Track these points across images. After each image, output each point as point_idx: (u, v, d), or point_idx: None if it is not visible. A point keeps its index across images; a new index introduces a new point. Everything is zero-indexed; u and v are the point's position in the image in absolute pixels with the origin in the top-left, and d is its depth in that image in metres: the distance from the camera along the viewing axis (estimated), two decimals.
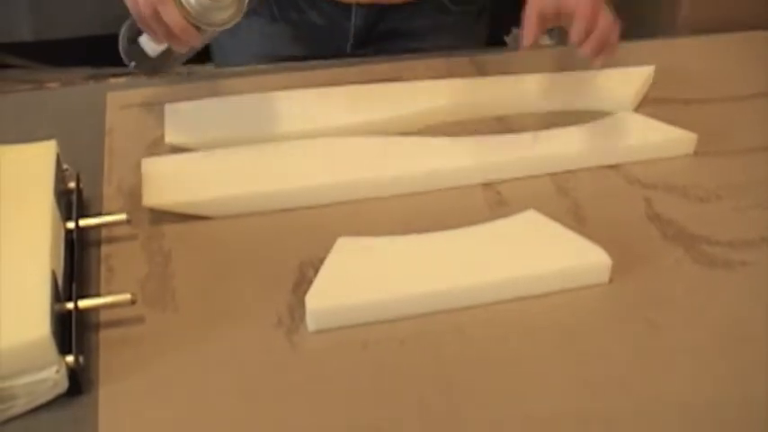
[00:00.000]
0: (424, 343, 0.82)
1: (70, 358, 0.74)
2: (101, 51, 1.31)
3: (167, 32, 0.91)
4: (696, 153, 1.05)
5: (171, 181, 0.95)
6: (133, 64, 1.02)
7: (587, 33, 0.97)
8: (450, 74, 1.15)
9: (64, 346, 0.75)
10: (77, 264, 0.86)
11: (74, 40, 2.06)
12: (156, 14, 0.89)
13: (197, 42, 0.93)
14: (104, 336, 0.82)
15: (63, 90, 1.32)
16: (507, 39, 2.15)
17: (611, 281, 0.88)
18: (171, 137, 1.02)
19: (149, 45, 1.00)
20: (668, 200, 0.99)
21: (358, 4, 1.22)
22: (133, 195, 0.96)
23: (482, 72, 1.17)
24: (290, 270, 0.89)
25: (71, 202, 0.91)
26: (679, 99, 1.15)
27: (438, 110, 1.08)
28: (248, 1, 0.90)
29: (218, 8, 0.89)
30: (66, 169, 0.93)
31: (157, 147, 1.03)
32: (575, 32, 0.97)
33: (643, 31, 1.46)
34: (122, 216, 0.90)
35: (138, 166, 0.98)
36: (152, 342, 0.81)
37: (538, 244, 0.89)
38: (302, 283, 0.87)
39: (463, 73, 1.16)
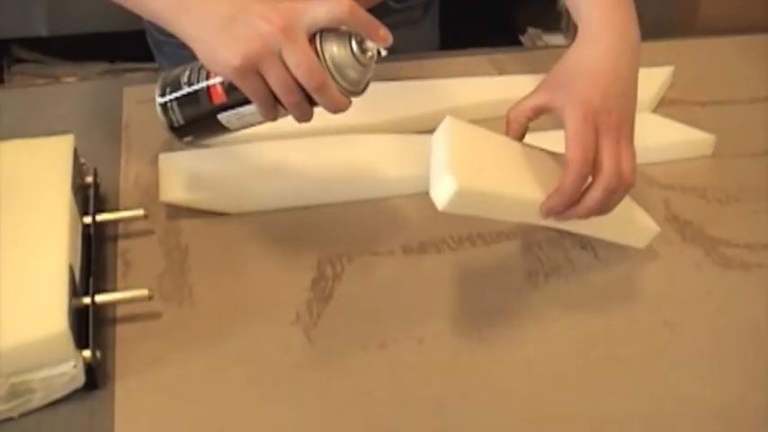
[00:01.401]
0: (442, 343, 0.82)
1: (87, 353, 0.74)
2: (116, 46, 1.31)
3: (307, 113, 0.81)
4: (714, 155, 1.05)
5: (188, 177, 0.95)
6: (190, 138, 0.91)
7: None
8: (468, 72, 1.14)
9: (81, 341, 0.75)
10: (94, 259, 0.86)
11: (89, 36, 2.06)
12: (300, 104, 0.79)
13: (348, 107, 0.81)
14: (121, 331, 0.82)
15: (79, 85, 1.32)
16: (523, 38, 2.15)
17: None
18: None
19: (244, 120, 0.85)
20: (687, 201, 0.98)
21: None
22: (150, 191, 0.96)
23: (502, 72, 1.17)
24: (308, 267, 0.88)
25: (88, 196, 0.91)
26: (696, 101, 1.14)
27: (458, 109, 1.08)
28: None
29: (367, 69, 0.79)
30: (84, 164, 0.93)
31: (174, 142, 1.02)
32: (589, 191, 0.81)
33: (659, 31, 1.46)
34: (140, 211, 0.90)
35: (155, 161, 0.98)
36: (168, 337, 0.81)
37: None
38: (320, 279, 0.87)
39: (483, 72, 1.16)
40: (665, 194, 0.99)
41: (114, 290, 0.85)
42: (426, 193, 0.97)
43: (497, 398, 0.78)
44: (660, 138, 1.04)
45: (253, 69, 0.76)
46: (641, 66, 1.13)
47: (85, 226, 0.87)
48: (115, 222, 0.91)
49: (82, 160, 0.92)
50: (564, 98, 0.82)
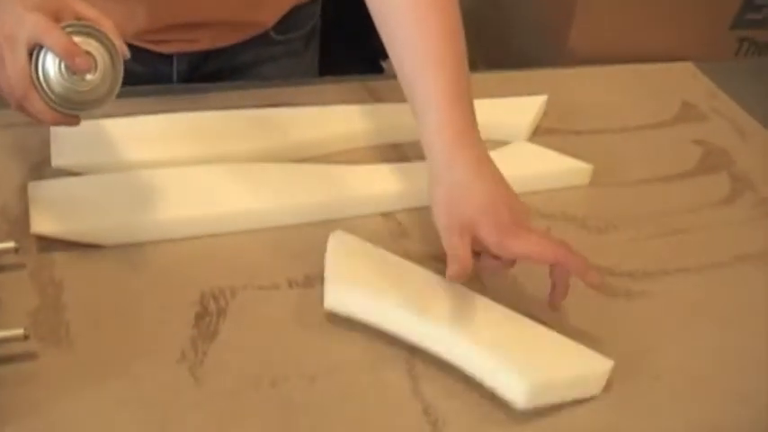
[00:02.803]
0: (335, 381, 0.80)
1: None
2: None
3: (40, 121, 0.84)
4: (591, 183, 1.06)
5: (60, 207, 0.90)
6: None
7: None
8: (344, 100, 1.13)
9: None
10: None
11: None
12: (23, 108, 0.82)
13: (76, 123, 0.85)
14: None
15: None
16: (384, 64, 2.14)
17: None
18: (58, 160, 0.96)
19: None
20: (568, 230, 0.99)
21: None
22: (18, 221, 0.91)
23: (376, 98, 1.16)
24: (190, 302, 0.85)
25: None
26: (570, 130, 1.16)
27: (336, 136, 1.06)
28: (121, 77, 0.83)
29: (85, 90, 0.81)
30: None
31: (42, 169, 0.97)
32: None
33: (528, 61, 1.48)
34: (10, 244, 0.85)
35: (23, 189, 0.93)
36: (47, 380, 0.77)
37: None
38: (204, 315, 0.84)
39: (357, 99, 1.14)
40: (547, 223, 1.00)
41: None
42: (308, 225, 0.95)
43: None
44: (539, 167, 1.05)
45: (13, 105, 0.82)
46: (515, 95, 1.15)
47: None
48: None
49: None
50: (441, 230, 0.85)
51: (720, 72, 1.32)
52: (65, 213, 0.90)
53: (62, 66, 0.79)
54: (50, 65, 0.80)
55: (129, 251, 0.90)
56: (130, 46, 0.84)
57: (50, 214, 0.89)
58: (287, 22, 1.23)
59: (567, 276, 0.84)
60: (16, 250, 0.85)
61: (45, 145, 0.98)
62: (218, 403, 0.76)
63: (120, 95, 1.06)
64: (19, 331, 0.76)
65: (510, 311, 0.84)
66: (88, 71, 0.80)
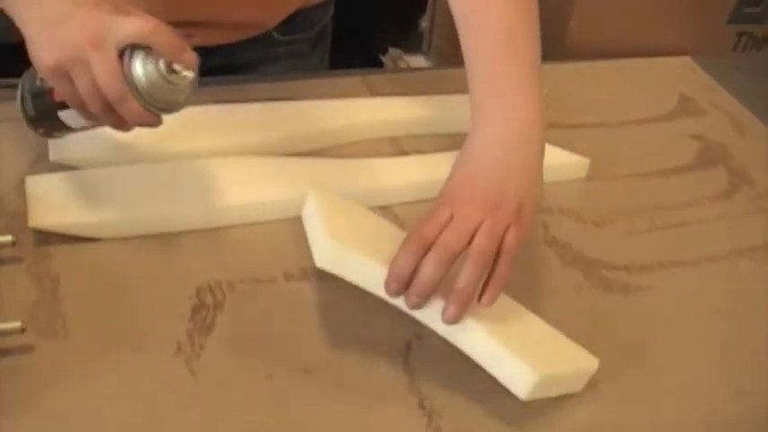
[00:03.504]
0: (329, 373, 0.80)
1: None
2: None
3: (120, 122, 0.82)
4: (588, 177, 1.07)
5: (57, 201, 0.90)
6: (41, 131, 0.90)
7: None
8: (342, 94, 1.13)
9: None
10: None
11: None
12: (108, 109, 0.79)
13: (160, 123, 0.83)
14: None
15: None
16: (384, 58, 2.15)
17: None
18: (55, 154, 0.97)
19: (78, 121, 0.85)
20: (564, 224, 0.99)
21: None
22: (16, 215, 0.91)
23: (374, 92, 1.16)
24: (186, 295, 0.85)
25: None
26: (568, 123, 1.16)
27: (334, 130, 1.07)
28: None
29: (176, 90, 0.80)
30: None
31: (40, 164, 0.97)
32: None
33: None
34: (8, 238, 0.85)
35: (20, 184, 0.93)
36: (44, 373, 0.77)
37: None
38: (200, 308, 0.84)
39: (356, 93, 1.14)
40: (543, 217, 1.00)
41: None
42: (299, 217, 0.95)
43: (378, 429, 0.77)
44: None
45: (64, 73, 0.78)
46: None
47: None
48: None
49: None
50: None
51: (718, 66, 1.33)
52: (62, 207, 0.90)
53: (161, 65, 0.78)
54: (143, 64, 0.78)
55: (126, 245, 0.90)
56: None
57: (47, 208, 0.89)
58: (292, 23, 1.22)
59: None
60: (13, 243, 0.85)
61: (42, 139, 0.98)
62: (213, 396, 0.77)
63: None
64: (16, 324, 0.77)
65: (508, 300, 0.84)
66: (195, 67, 0.80)
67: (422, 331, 0.82)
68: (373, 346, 0.83)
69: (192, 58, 0.79)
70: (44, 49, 0.78)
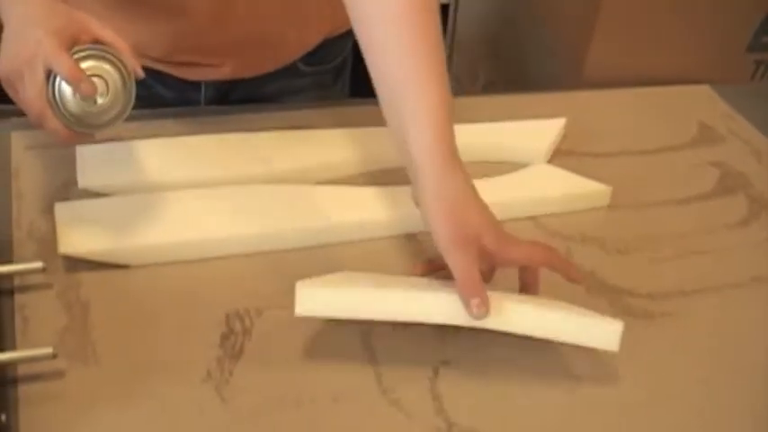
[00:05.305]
0: (358, 400, 0.81)
1: None
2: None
3: (55, 139, 0.88)
4: (610, 206, 1.07)
5: (87, 227, 0.91)
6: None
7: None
8: (362, 122, 1.13)
9: None
10: None
11: None
12: (41, 125, 0.86)
13: (91, 139, 0.90)
14: (24, 391, 0.78)
15: None
16: None
17: None
18: (84, 181, 0.98)
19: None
20: (587, 252, 1.00)
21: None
22: (45, 241, 0.92)
23: None
24: (215, 322, 0.86)
25: None
26: (588, 152, 1.17)
27: (354, 158, 1.07)
28: (133, 98, 0.86)
29: (98, 111, 0.85)
30: None
31: (68, 190, 0.99)
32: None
33: (545, 84, 1.49)
34: (38, 264, 0.86)
35: (49, 209, 0.94)
36: (75, 398, 0.78)
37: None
38: (230, 335, 0.85)
39: (375, 122, 1.15)
40: (566, 245, 1.00)
41: (14, 347, 0.81)
42: (334, 245, 0.97)
43: None
44: (558, 189, 1.06)
45: (9, 84, 0.86)
46: (536, 117, 1.16)
47: None
48: (10, 276, 0.87)
49: None
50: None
51: (737, 95, 1.33)
52: (91, 234, 0.91)
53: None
54: (65, 87, 0.84)
55: (156, 271, 0.91)
56: (157, 72, 0.86)
57: (77, 235, 0.90)
58: (316, 54, 1.24)
59: (537, 276, 0.88)
60: (44, 270, 0.86)
61: (71, 166, 1.00)
62: (243, 422, 0.77)
63: (144, 117, 1.08)
64: (48, 350, 0.77)
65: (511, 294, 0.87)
66: (93, 95, 0.84)
67: (449, 357, 0.83)
68: (400, 373, 0.83)
69: (90, 87, 0.83)
70: (0, 59, 0.86)
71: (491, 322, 0.80)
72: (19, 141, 1.06)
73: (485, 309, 0.79)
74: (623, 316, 0.91)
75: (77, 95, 0.84)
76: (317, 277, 0.84)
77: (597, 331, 0.82)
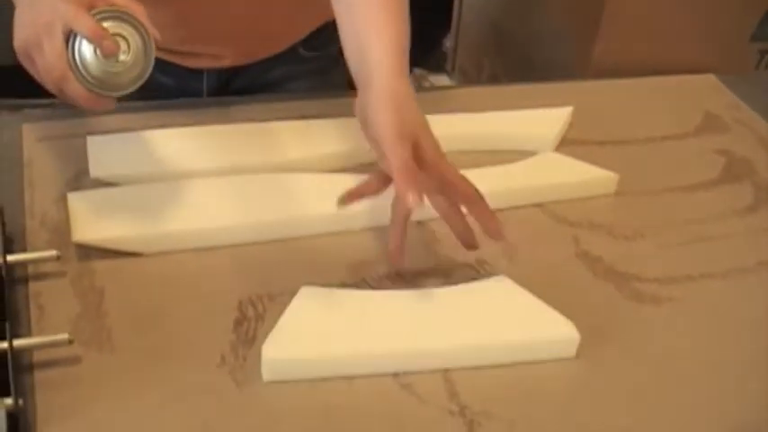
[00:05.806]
0: (372, 383, 0.81)
1: (9, 401, 0.71)
2: (13, 82, 1.26)
3: (77, 104, 0.87)
4: (617, 193, 1.08)
5: (100, 216, 0.92)
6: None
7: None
8: None
9: (1, 389, 0.72)
10: (6, 302, 0.82)
11: None
12: (62, 92, 0.86)
13: (112, 106, 0.89)
14: (40, 377, 0.78)
15: None
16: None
17: None
18: (96, 170, 0.99)
19: None
20: (595, 238, 1.01)
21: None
22: (58, 230, 0.93)
23: None
24: (229, 308, 0.87)
25: None
26: (594, 140, 1.17)
27: (365, 147, 1.08)
28: (153, 59, 0.86)
29: (119, 72, 0.85)
30: None
31: (80, 180, 1.00)
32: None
33: (554, 74, 1.50)
34: (52, 252, 0.87)
35: (62, 199, 0.95)
36: (90, 384, 0.78)
37: (506, 313, 0.87)
38: (243, 321, 0.85)
39: None
40: (574, 231, 1.01)
41: (29, 334, 0.82)
42: (344, 233, 0.97)
43: None
44: (565, 176, 1.07)
45: (26, 53, 0.86)
46: (542, 107, 1.17)
47: None
48: (24, 264, 0.88)
49: None
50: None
51: (742, 84, 1.34)
52: (104, 222, 0.92)
53: (97, 49, 0.83)
54: (86, 49, 0.84)
55: (168, 259, 0.92)
56: (159, 60, 0.87)
57: (90, 223, 0.91)
58: (317, 39, 1.25)
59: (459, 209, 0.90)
60: (58, 258, 0.87)
61: (82, 157, 1.01)
62: (258, 406, 0.78)
63: (151, 108, 1.09)
64: (64, 336, 0.78)
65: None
66: (116, 53, 0.84)
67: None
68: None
69: (114, 44, 0.83)
70: (16, 29, 0.86)
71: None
72: (30, 133, 1.07)
73: (419, 199, 0.81)
74: (631, 301, 0.92)
75: (99, 56, 0.83)
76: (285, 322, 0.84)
77: (554, 341, 0.86)
